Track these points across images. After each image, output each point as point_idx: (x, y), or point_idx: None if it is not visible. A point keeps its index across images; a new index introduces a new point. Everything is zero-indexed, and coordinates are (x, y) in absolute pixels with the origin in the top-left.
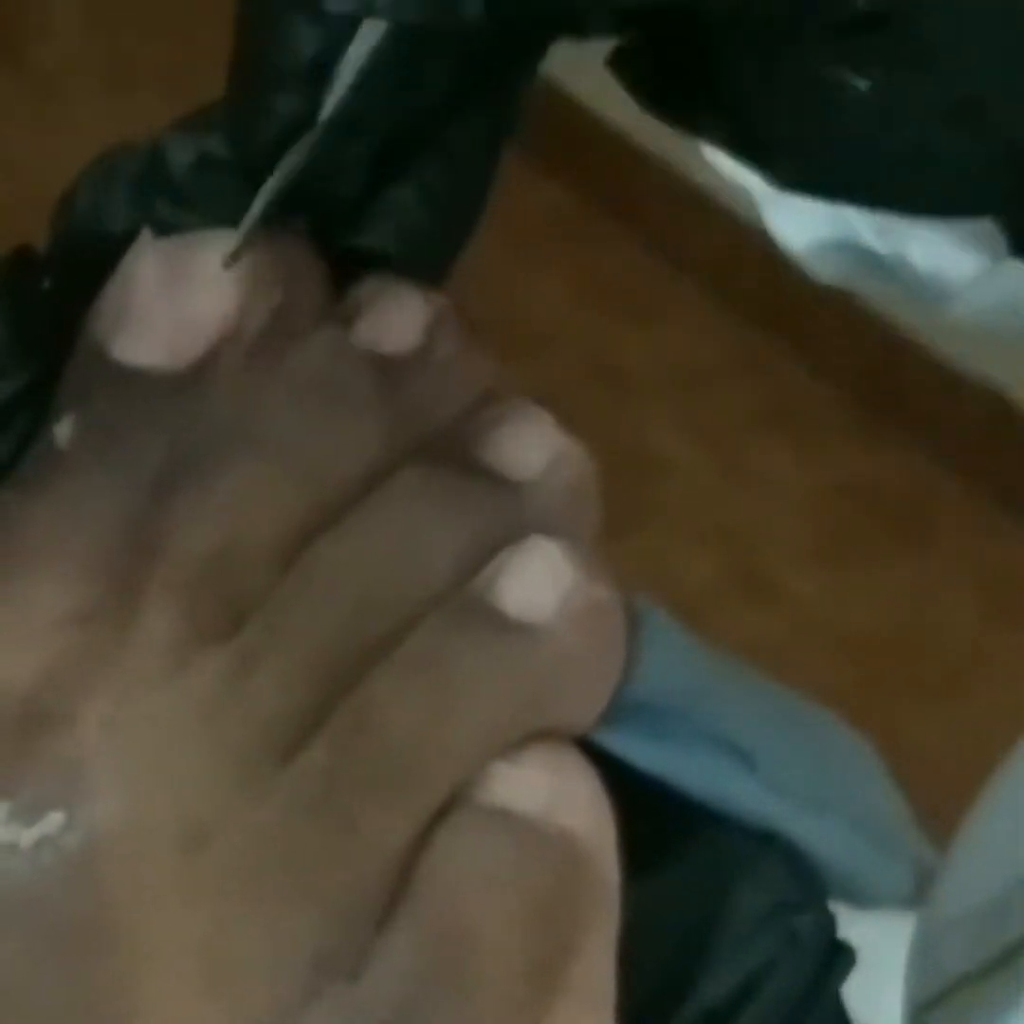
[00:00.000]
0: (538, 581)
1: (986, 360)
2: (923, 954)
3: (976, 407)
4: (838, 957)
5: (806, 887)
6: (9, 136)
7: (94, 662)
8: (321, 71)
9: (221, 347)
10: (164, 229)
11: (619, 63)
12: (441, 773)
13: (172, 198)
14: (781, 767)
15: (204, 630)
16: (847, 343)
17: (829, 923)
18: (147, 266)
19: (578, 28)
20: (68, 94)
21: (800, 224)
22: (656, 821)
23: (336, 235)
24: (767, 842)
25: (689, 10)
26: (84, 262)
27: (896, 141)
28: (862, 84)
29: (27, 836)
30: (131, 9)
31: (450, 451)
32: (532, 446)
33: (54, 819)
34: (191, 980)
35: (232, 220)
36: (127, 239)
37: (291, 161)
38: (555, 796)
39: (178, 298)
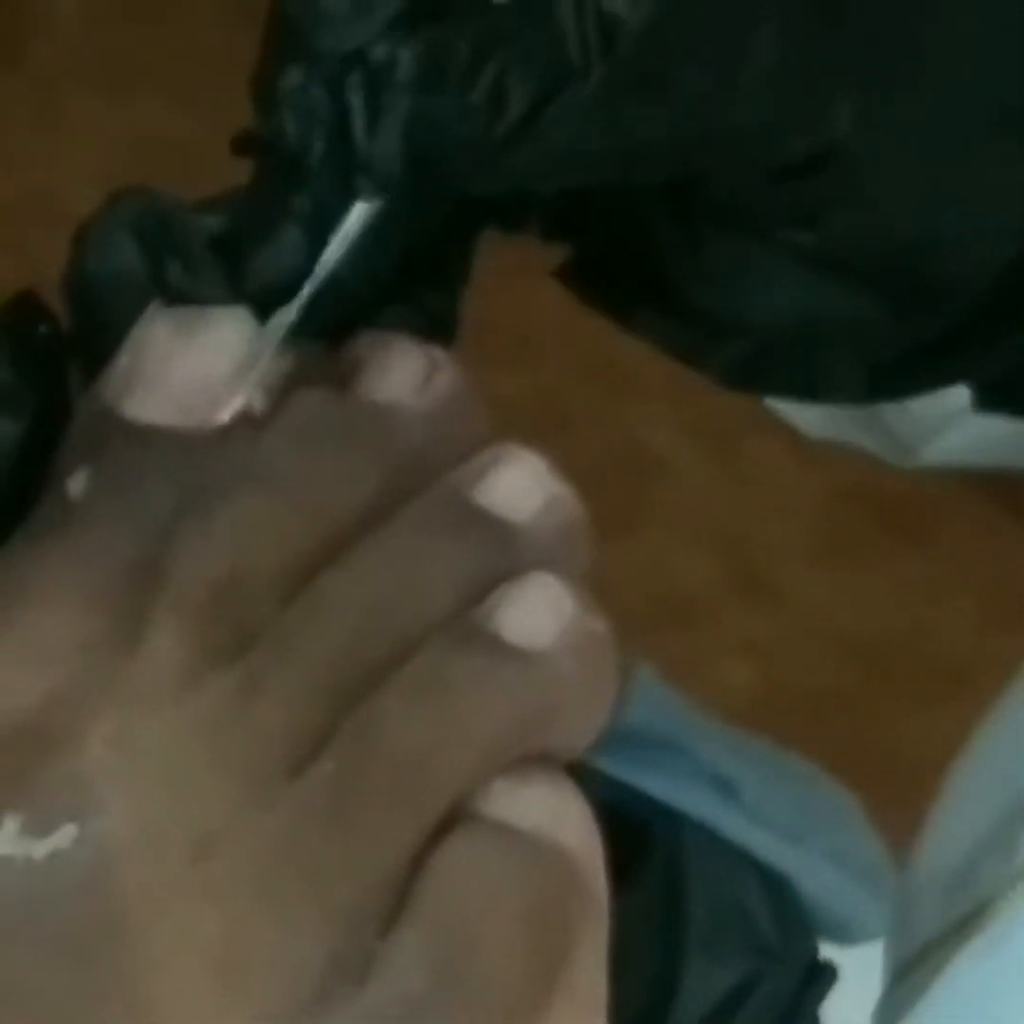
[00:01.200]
0: (538, 611)
1: None
2: (900, 920)
3: None
4: (819, 976)
5: (786, 908)
6: (8, 135)
7: (101, 683)
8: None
9: (234, 407)
10: (176, 297)
11: (560, 274)
12: (443, 787)
13: (186, 265)
14: (764, 800)
15: (210, 653)
16: None
17: (811, 943)
18: (158, 330)
19: (507, 225)
20: (68, 93)
21: None
22: (613, 842)
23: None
24: (746, 866)
25: (618, 190)
26: (93, 304)
27: (835, 306)
28: (806, 238)
29: (40, 848)
30: (131, 9)
31: (447, 494)
32: (526, 490)
33: (67, 832)
34: (204, 980)
35: (243, 298)
36: (134, 286)
37: (286, 315)
38: (553, 814)
39: (190, 359)
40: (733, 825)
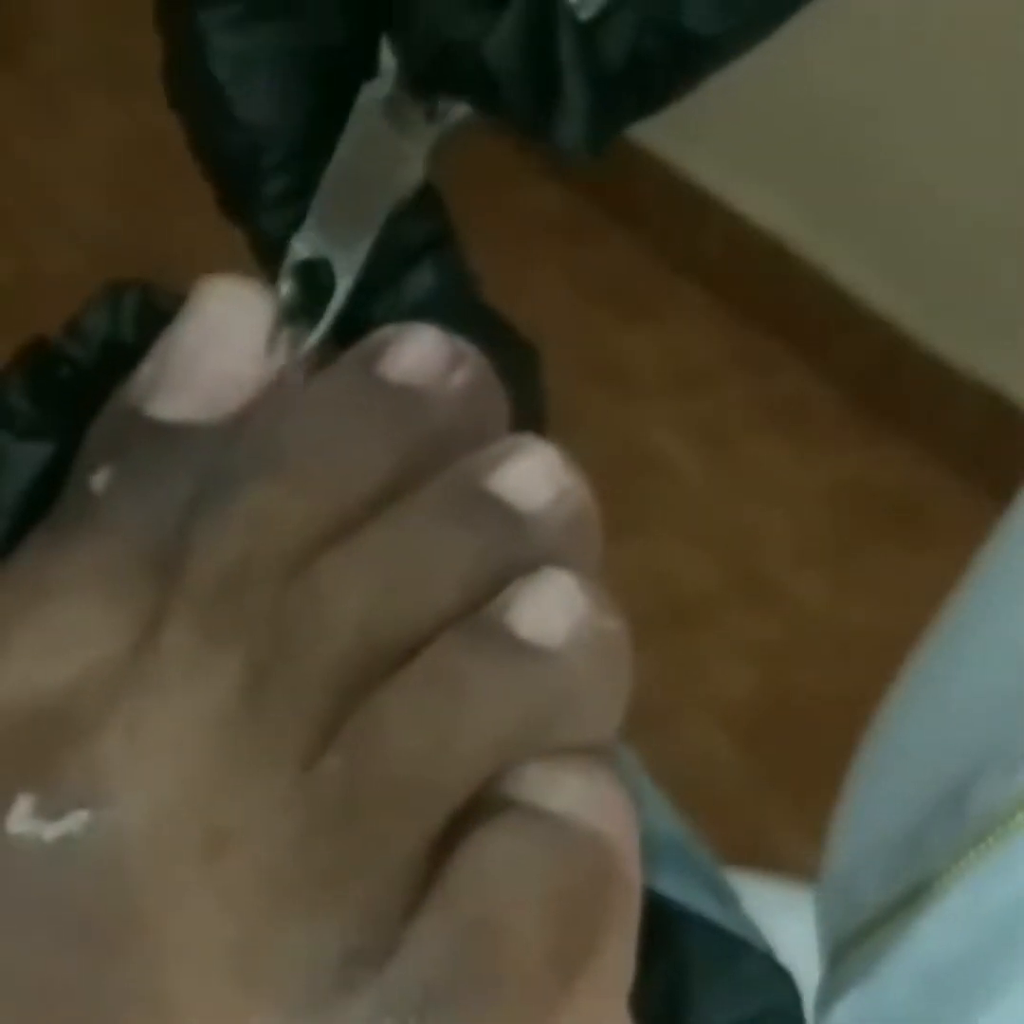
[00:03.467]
0: (551, 608)
1: (984, 358)
2: (837, 892)
3: (975, 405)
4: None
5: (787, 992)
6: (9, 135)
7: (118, 674)
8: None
9: (259, 398)
10: None
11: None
12: (450, 786)
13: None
14: (740, 905)
15: (215, 639)
16: (847, 343)
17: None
18: (183, 334)
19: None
20: (68, 96)
21: None
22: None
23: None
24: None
25: None
26: (100, 370)
27: None
28: None
29: (50, 831)
30: (132, 10)
31: (459, 480)
32: (538, 479)
33: (78, 817)
34: (222, 973)
35: None
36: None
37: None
38: (585, 798)
39: (216, 358)
40: (734, 922)
